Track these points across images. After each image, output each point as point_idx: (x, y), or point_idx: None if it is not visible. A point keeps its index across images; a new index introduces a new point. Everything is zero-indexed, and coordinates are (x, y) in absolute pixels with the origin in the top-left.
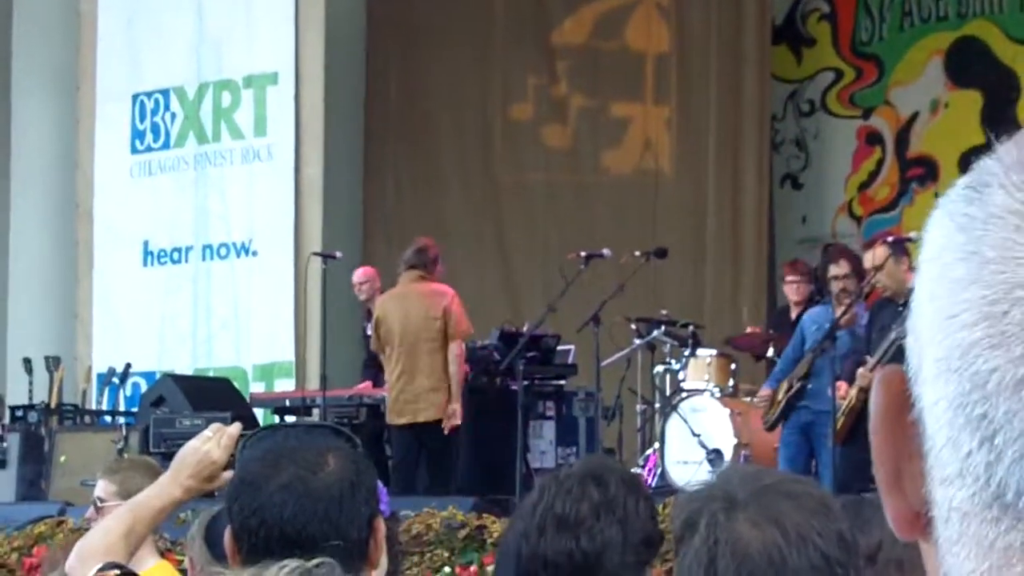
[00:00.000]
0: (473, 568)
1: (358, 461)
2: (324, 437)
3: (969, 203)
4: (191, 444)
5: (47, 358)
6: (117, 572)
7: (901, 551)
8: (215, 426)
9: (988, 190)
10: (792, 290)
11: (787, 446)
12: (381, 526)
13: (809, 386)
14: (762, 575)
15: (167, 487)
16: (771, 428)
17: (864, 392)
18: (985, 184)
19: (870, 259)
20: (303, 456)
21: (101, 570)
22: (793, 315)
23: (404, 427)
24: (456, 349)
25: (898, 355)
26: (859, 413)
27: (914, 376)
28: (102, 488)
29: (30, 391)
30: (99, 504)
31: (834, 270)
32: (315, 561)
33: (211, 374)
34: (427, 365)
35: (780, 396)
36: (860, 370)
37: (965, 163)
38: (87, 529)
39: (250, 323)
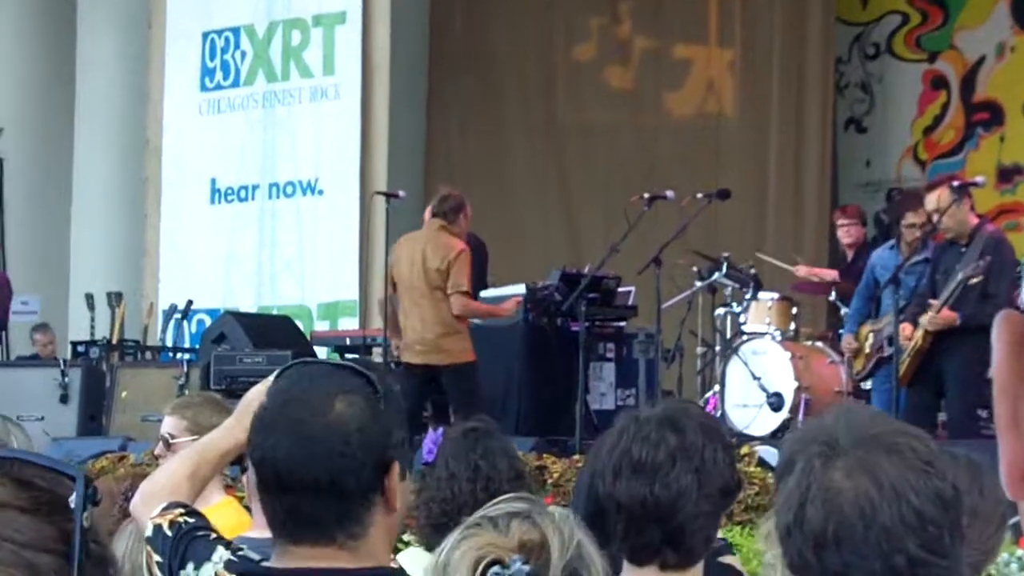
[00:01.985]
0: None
1: (370, 408)
2: (344, 378)
3: None
4: (257, 388)
5: (109, 294)
6: (181, 511)
7: (976, 500)
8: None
9: None
10: (844, 233)
11: (879, 392)
12: (394, 471)
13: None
14: (850, 526)
15: (233, 430)
16: (864, 379)
17: (931, 334)
18: None
19: (933, 202)
20: (311, 399)
21: (165, 509)
22: (849, 258)
23: (414, 368)
24: (456, 303)
25: (965, 295)
26: (925, 355)
27: None
28: (172, 425)
29: (92, 327)
30: (170, 440)
31: (911, 218)
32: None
33: (275, 312)
34: (434, 313)
35: (867, 348)
36: (928, 313)
37: None
38: (149, 464)
39: (315, 261)
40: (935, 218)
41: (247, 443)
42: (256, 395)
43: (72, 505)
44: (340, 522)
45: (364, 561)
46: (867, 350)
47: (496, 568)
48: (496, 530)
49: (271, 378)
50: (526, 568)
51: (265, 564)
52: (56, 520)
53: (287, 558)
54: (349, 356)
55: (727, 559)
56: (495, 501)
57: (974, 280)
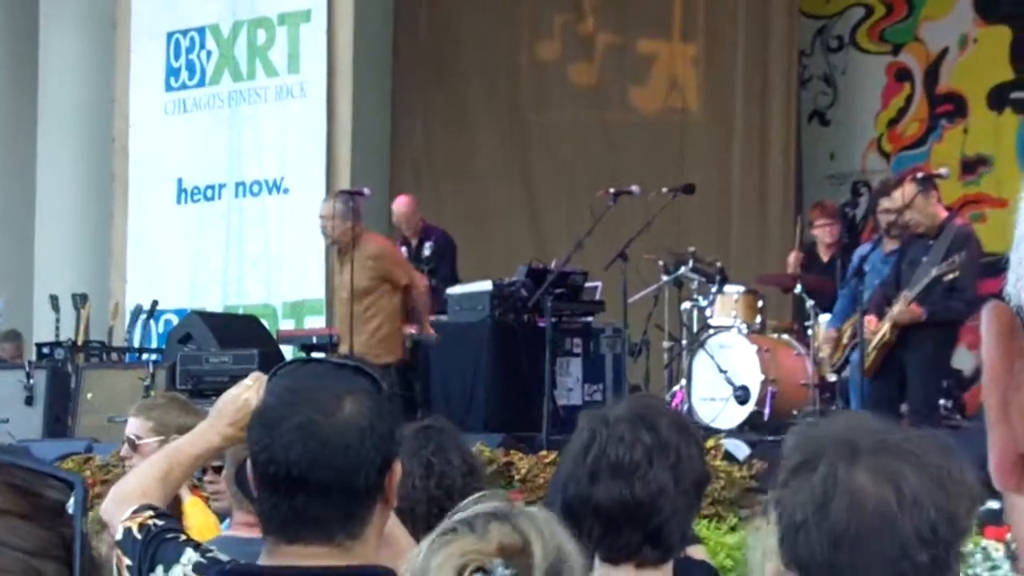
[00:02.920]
0: None
1: (378, 404)
2: (348, 377)
3: None
4: (231, 392)
5: (74, 295)
6: (151, 513)
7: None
8: (255, 375)
9: None
10: (824, 233)
11: (855, 383)
12: (397, 468)
13: None
14: (871, 528)
15: (206, 434)
16: (839, 371)
17: (898, 327)
18: None
19: (899, 196)
20: (319, 398)
21: (136, 512)
22: (825, 257)
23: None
24: None
25: (931, 289)
26: (892, 348)
27: None
28: (137, 426)
29: (57, 328)
30: (135, 442)
31: (885, 203)
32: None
33: (241, 311)
34: None
35: (845, 339)
36: (897, 306)
37: (993, 99)
38: (115, 465)
39: (281, 260)
40: (905, 213)
41: (249, 443)
42: (231, 399)
43: (70, 511)
44: (344, 521)
45: (356, 559)
46: (844, 340)
47: (479, 575)
48: (474, 534)
49: (256, 376)
50: (508, 573)
51: (256, 564)
52: (56, 526)
53: (278, 557)
54: (315, 355)
55: (694, 549)
56: (467, 501)
57: (949, 276)
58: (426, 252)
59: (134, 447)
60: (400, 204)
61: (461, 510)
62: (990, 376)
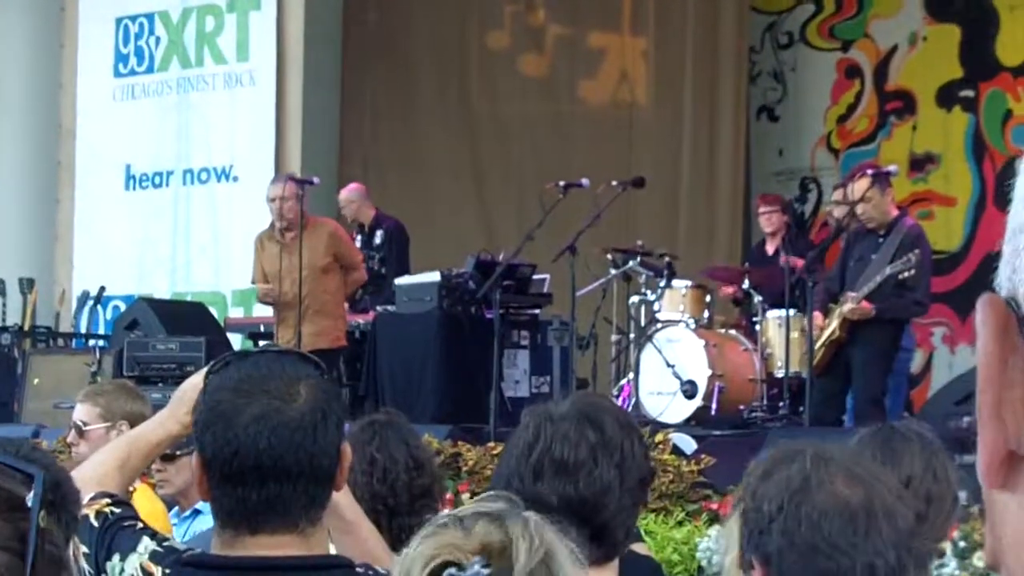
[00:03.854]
0: (448, 495)
1: (327, 390)
2: (292, 364)
3: None
4: (191, 380)
5: (21, 280)
6: (108, 501)
7: (930, 484)
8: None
9: None
10: (765, 221)
11: None
12: (348, 452)
13: None
14: (847, 522)
15: (165, 422)
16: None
17: (847, 324)
18: None
19: (857, 191)
20: (275, 385)
21: (92, 499)
22: (769, 247)
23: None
24: None
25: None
26: (840, 345)
27: None
28: (85, 412)
29: (3, 313)
30: (82, 428)
31: (836, 195)
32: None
33: (189, 299)
34: None
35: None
36: (848, 304)
37: (942, 97)
38: (61, 451)
39: (230, 248)
40: (858, 207)
41: (205, 440)
42: (191, 387)
43: (29, 504)
44: (307, 507)
45: (315, 547)
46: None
47: (451, 570)
48: (460, 530)
49: (204, 371)
50: (485, 571)
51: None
52: (13, 518)
53: (239, 548)
54: (263, 342)
55: (638, 547)
56: (476, 499)
57: (904, 276)
58: (377, 240)
59: (81, 433)
60: (349, 191)
61: (464, 507)
62: (985, 373)
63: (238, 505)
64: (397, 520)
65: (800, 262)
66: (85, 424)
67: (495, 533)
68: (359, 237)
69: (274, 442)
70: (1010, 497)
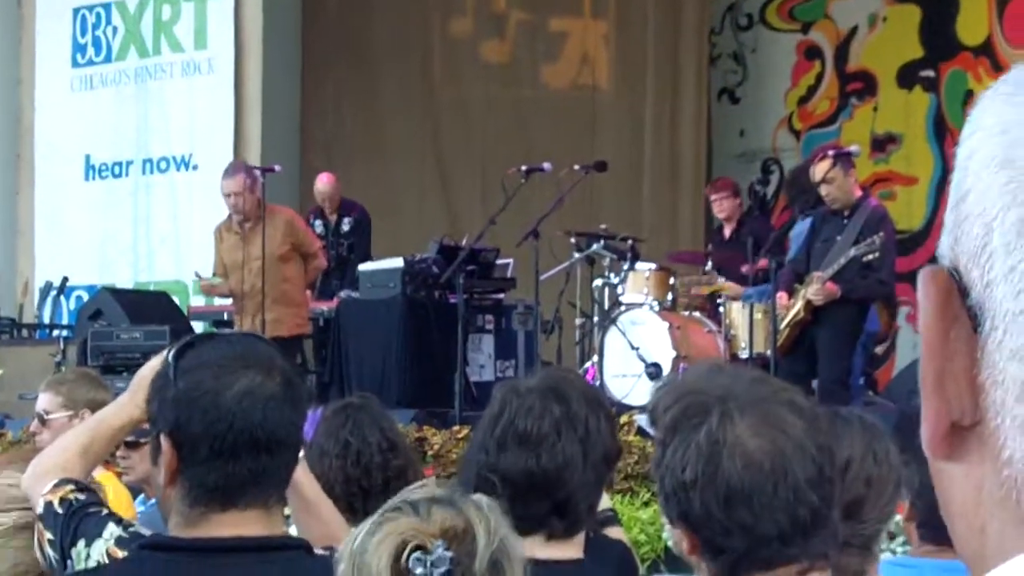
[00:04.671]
0: None
1: (293, 366)
2: (252, 343)
3: None
4: (150, 364)
5: None
6: (72, 487)
7: (871, 468)
8: (176, 345)
9: None
10: (717, 208)
11: None
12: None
13: None
14: (763, 481)
15: (126, 407)
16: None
17: (811, 303)
18: None
19: (820, 172)
20: (254, 362)
21: (56, 485)
22: (726, 231)
23: None
24: None
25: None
26: (805, 325)
27: (973, 255)
28: (47, 401)
29: None
30: (45, 417)
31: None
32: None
33: (152, 288)
34: None
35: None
36: (813, 285)
37: (903, 77)
38: (26, 441)
39: (191, 237)
40: (822, 188)
41: (189, 418)
42: (150, 371)
43: None
44: (281, 481)
45: (274, 528)
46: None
47: (418, 554)
48: (417, 515)
49: (162, 356)
50: (449, 554)
51: (176, 536)
52: None
53: (203, 526)
54: (226, 331)
55: (614, 531)
56: (413, 486)
57: (869, 257)
58: (345, 228)
59: (43, 422)
60: (323, 182)
61: (408, 493)
62: (928, 345)
63: (226, 479)
64: (371, 502)
65: (764, 263)
66: (47, 413)
67: (454, 518)
68: (319, 223)
69: (267, 414)
70: (955, 467)
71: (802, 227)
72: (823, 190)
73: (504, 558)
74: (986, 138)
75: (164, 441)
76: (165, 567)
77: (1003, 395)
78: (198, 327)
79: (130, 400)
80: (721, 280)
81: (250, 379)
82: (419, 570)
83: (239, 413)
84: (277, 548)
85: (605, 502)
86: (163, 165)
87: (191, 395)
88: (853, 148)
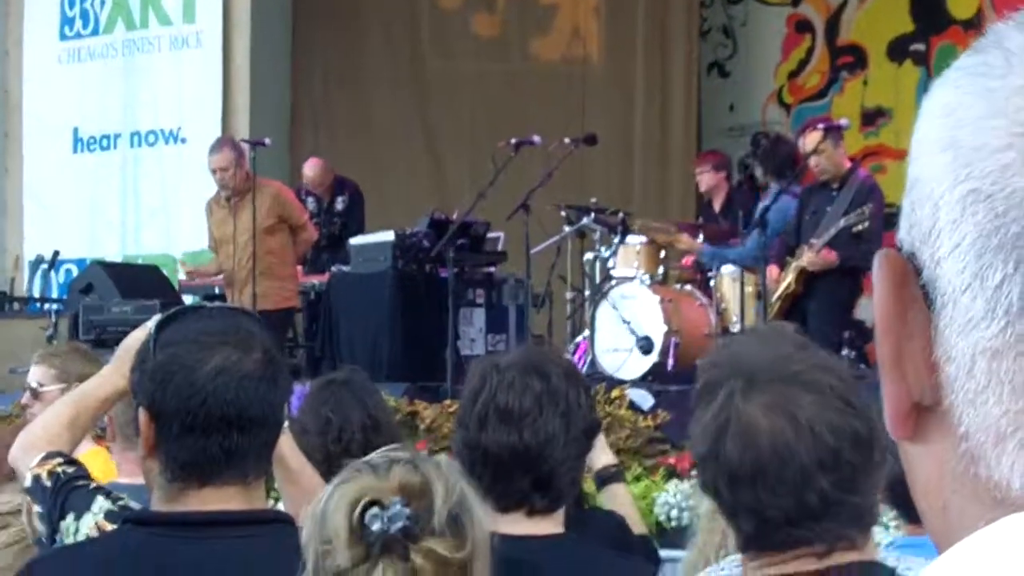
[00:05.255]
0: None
1: (276, 343)
2: (236, 317)
3: (981, 54)
4: (135, 334)
5: None
6: (60, 460)
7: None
8: (158, 317)
9: (1004, 39)
10: (700, 181)
11: None
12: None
13: None
14: (765, 464)
15: (111, 377)
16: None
17: (803, 276)
18: (996, 39)
19: (810, 143)
20: (233, 338)
21: (44, 459)
22: (715, 205)
23: None
24: None
25: (838, 236)
26: (796, 297)
27: (924, 235)
28: (40, 374)
29: None
30: (38, 389)
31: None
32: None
33: (140, 261)
34: None
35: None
36: (808, 254)
37: (893, 51)
38: (17, 415)
39: (179, 210)
40: (811, 160)
41: (165, 392)
42: (135, 341)
43: None
44: (259, 459)
45: (255, 502)
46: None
47: (374, 510)
48: (375, 474)
49: (147, 326)
50: (407, 511)
51: (158, 510)
52: None
53: (184, 501)
54: (214, 304)
55: (618, 488)
56: (372, 454)
57: (858, 228)
58: (338, 207)
59: (36, 395)
60: (311, 167)
61: (370, 456)
62: (882, 325)
63: (197, 456)
64: None
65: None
66: (41, 385)
67: (412, 475)
68: (312, 200)
69: (240, 392)
70: (919, 447)
71: (785, 202)
72: (813, 161)
73: (464, 513)
74: (932, 122)
75: (142, 414)
76: (148, 541)
77: (955, 370)
78: (189, 301)
79: (115, 370)
80: (684, 236)
81: (226, 356)
82: (376, 525)
83: (212, 390)
84: (259, 522)
85: (610, 458)
86: (151, 139)
87: (168, 369)
88: (843, 121)
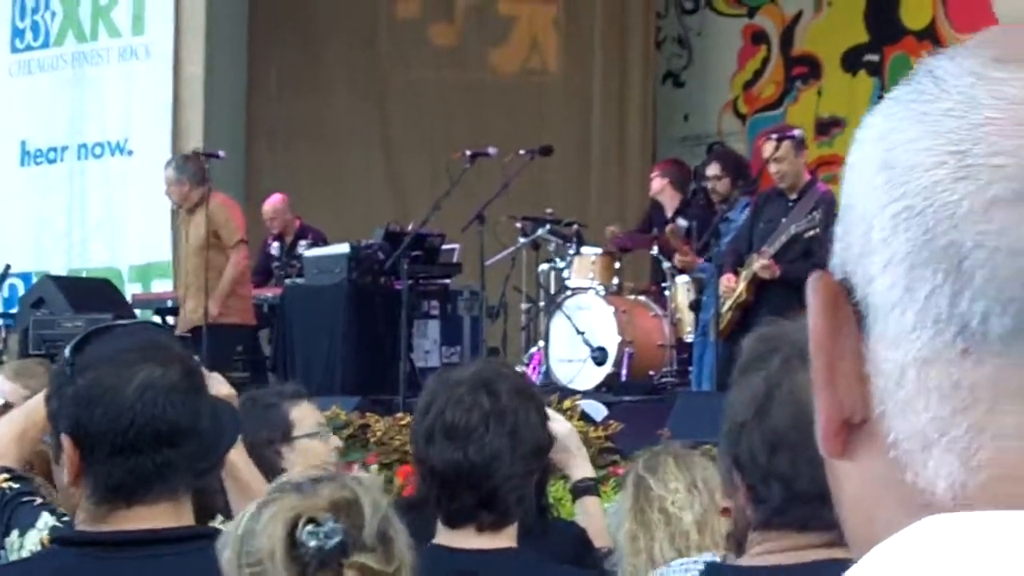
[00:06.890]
0: (355, 465)
1: (189, 354)
2: (153, 332)
3: (912, 83)
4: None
5: None
6: (6, 476)
7: None
8: (74, 341)
9: (934, 68)
10: (651, 186)
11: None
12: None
13: None
14: (811, 432)
15: None
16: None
17: (755, 286)
18: (927, 69)
19: (770, 149)
20: (153, 353)
21: None
22: (668, 212)
23: None
24: None
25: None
26: (747, 308)
27: (856, 257)
28: (8, 391)
29: None
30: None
31: (708, 171)
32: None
33: (85, 275)
34: None
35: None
36: (759, 261)
37: (847, 61)
38: None
39: (125, 223)
40: (771, 166)
41: (90, 416)
42: None
43: None
44: (189, 473)
45: (183, 519)
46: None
47: (310, 527)
48: (302, 493)
49: (68, 350)
50: (340, 526)
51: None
52: None
53: (111, 521)
54: (169, 318)
55: (590, 501)
56: (292, 472)
57: (809, 233)
58: (300, 251)
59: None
60: (269, 203)
61: (281, 480)
62: (815, 344)
63: (128, 476)
64: None
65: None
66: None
67: (340, 491)
68: (276, 245)
69: (168, 407)
70: (848, 464)
71: (740, 213)
72: (772, 168)
73: (391, 529)
74: (866, 147)
75: (66, 440)
76: (77, 562)
77: (885, 382)
78: (141, 315)
79: None
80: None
81: (149, 372)
82: (312, 542)
83: (140, 408)
84: (189, 539)
85: (587, 470)
86: (98, 151)
87: (92, 392)
88: (797, 131)
